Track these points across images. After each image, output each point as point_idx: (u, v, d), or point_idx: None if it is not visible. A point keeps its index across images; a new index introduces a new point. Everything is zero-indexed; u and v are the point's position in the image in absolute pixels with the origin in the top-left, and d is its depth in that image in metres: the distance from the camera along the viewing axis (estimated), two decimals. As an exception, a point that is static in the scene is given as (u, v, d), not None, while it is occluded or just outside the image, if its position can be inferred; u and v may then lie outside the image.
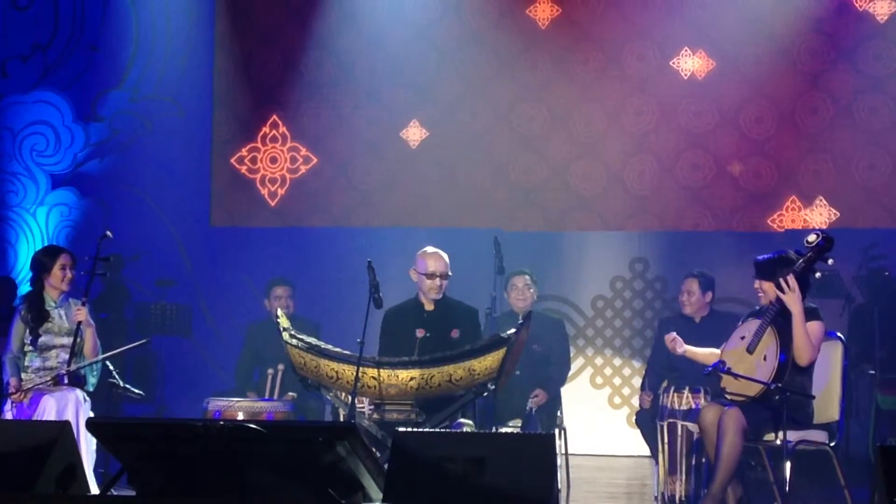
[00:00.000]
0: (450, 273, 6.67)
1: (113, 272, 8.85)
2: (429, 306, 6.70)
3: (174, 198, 9.82)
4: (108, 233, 6.90)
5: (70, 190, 9.90)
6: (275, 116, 9.82)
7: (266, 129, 9.83)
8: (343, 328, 7.67)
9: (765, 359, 5.93)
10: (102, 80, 9.92)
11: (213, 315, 9.69)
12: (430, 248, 6.75)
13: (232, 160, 9.82)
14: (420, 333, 6.50)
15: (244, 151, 9.82)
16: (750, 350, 5.97)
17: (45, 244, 9.34)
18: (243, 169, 9.82)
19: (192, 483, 4.10)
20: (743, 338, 6.06)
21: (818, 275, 6.10)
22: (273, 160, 9.82)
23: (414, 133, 9.62)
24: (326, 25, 9.68)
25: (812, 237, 5.97)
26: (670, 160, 9.31)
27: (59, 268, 6.74)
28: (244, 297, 9.43)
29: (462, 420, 6.32)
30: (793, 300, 5.88)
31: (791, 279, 5.89)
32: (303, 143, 9.78)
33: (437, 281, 6.61)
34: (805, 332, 5.88)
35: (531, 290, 7.41)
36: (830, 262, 6.05)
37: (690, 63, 9.28)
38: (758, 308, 6.24)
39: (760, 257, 6.21)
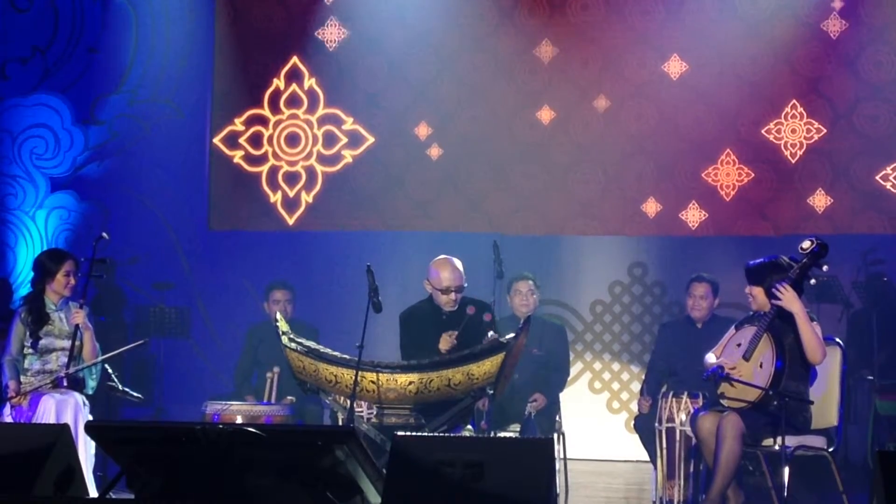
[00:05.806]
0: (465, 284, 6.61)
1: (111, 275, 8.83)
2: (446, 308, 6.64)
3: (173, 201, 9.80)
4: (105, 234, 6.89)
5: (69, 193, 9.88)
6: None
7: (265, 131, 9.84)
8: (342, 332, 7.67)
9: (761, 366, 5.91)
10: (102, 83, 9.90)
11: (211, 318, 9.67)
12: (443, 259, 6.64)
13: (233, 161, 9.82)
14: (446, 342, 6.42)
15: (244, 152, 9.82)
16: (746, 357, 5.95)
17: (45, 247, 9.32)
18: (244, 171, 9.81)
19: (191, 486, 4.10)
20: (739, 345, 6.04)
21: (812, 281, 6.08)
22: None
23: (413, 137, 9.61)
24: (326, 29, 9.68)
25: (807, 243, 5.94)
26: (669, 164, 9.30)
27: (64, 274, 6.71)
28: (243, 300, 9.41)
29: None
30: (791, 301, 5.86)
31: (783, 286, 5.87)
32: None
33: (453, 295, 6.57)
34: (812, 330, 5.85)
35: (534, 296, 7.38)
36: (825, 268, 6.03)
37: (689, 67, 9.27)
38: (752, 313, 6.22)
39: (751, 262, 6.19)
